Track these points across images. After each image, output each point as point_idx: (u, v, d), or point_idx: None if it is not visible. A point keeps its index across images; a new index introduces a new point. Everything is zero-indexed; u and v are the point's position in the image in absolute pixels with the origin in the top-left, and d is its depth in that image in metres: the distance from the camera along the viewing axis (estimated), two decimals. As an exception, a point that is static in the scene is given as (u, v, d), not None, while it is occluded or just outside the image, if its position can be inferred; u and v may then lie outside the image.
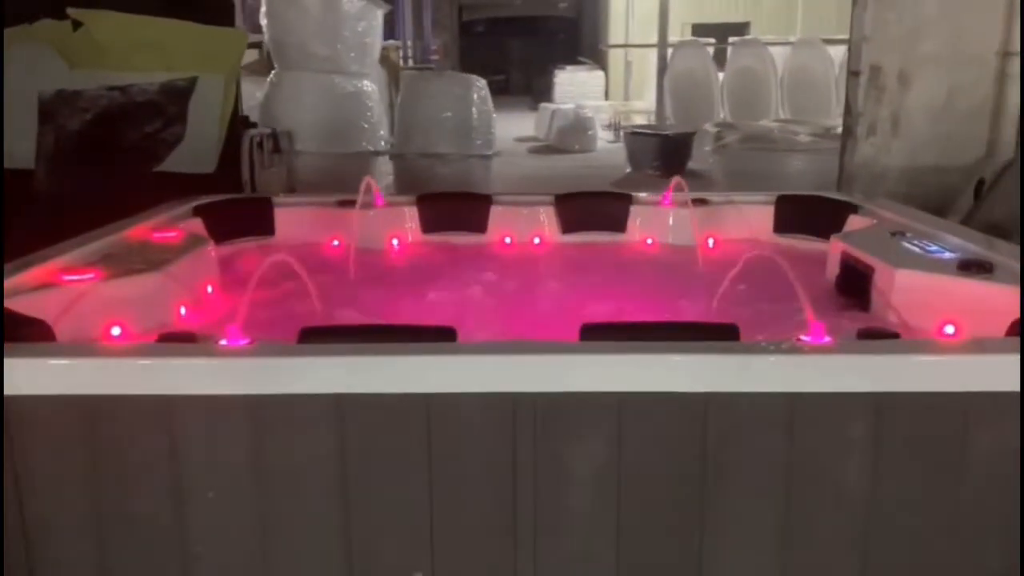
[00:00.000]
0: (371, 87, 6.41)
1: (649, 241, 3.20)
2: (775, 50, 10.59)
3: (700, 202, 3.22)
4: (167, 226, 2.86)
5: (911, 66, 4.98)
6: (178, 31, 4.76)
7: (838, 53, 10.27)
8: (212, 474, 1.61)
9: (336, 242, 3.22)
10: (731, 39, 12.02)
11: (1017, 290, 2.04)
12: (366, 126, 6.28)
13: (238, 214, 3.17)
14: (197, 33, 4.84)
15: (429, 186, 5.93)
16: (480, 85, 6.13)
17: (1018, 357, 1.53)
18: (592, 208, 3.24)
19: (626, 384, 1.57)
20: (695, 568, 1.62)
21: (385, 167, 6.73)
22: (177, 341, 1.70)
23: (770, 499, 1.59)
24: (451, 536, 1.62)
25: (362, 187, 3.14)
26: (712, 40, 12.10)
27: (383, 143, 6.61)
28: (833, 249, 2.65)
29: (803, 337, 1.67)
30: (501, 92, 14.69)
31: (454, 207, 3.27)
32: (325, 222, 3.25)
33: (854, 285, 2.45)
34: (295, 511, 1.63)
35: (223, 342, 1.68)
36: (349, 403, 1.57)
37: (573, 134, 10.40)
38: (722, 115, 10.25)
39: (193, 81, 4.80)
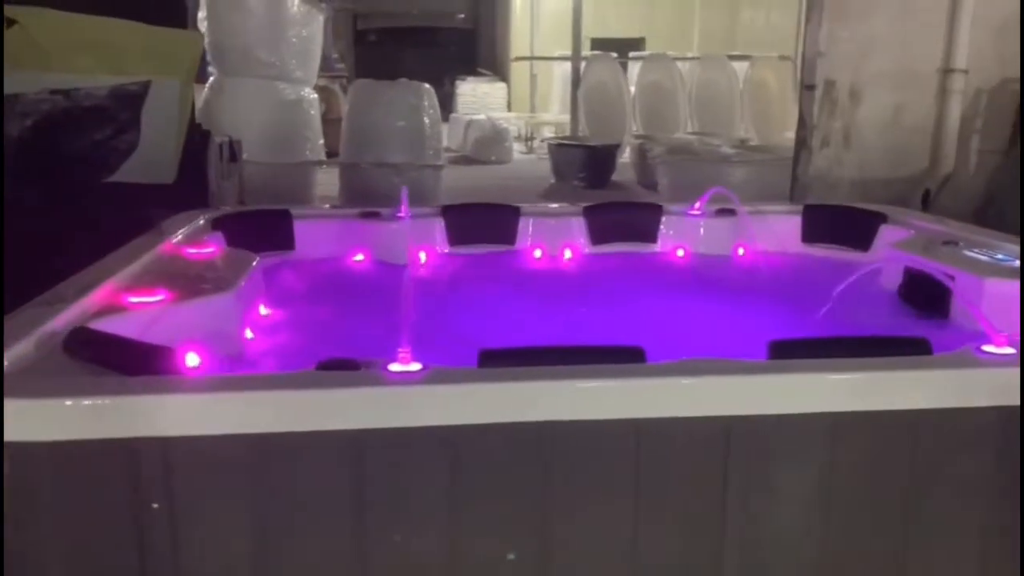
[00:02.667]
0: (313, 95, 6.17)
1: (680, 252, 3.18)
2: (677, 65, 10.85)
3: (727, 212, 3.23)
4: (192, 242, 2.63)
5: (861, 82, 5.19)
6: (127, 32, 4.42)
7: (740, 69, 10.67)
8: (400, 512, 1.47)
9: (360, 256, 3.06)
10: (631, 54, 12.28)
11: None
12: (310, 135, 6.03)
13: (258, 227, 2.96)
14: (148, 34, 4.51)
15: (386, 197, 5.75)
16: (431, 94, 6.00)
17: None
18: (622, 219, 3.20)
19: (838, 404, 1.52)
20: (898, 586, 1.59)
21: (327, 178, 6.50)
22: (339, 368, 1.54)
23: (976, 520, 1.58)
24: (658, 561, 1.53)
25: (403, 196, 3.02)
26: (614, 54, 12.31)
27: (324, 153, 6.38)
28: (891, 259, 2.70)
29: (985, 348, 1.66)
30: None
31: (481, 219, 3.16)
32: (347, 235, 3.08)
33: (926, 294, 2.49)
34: (488, 540, 1.50)
35: (393, 368, 1.53)
36: (553, 431, 1.46)
37: (489, 145, 10.37)
38: (635, 128, 10.43)
39: (146, 85, 4.46)
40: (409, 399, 1.44)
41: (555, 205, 3.29)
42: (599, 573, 1.52)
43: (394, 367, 1.53)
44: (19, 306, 1.79)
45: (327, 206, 4.88)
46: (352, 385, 1.43)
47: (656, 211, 3.19)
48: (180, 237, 2.64)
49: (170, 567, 1.42)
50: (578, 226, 3.17)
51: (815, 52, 5.20)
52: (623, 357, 1.56)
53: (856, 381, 1.53)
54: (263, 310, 2.43)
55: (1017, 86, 5.31)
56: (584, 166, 8.43)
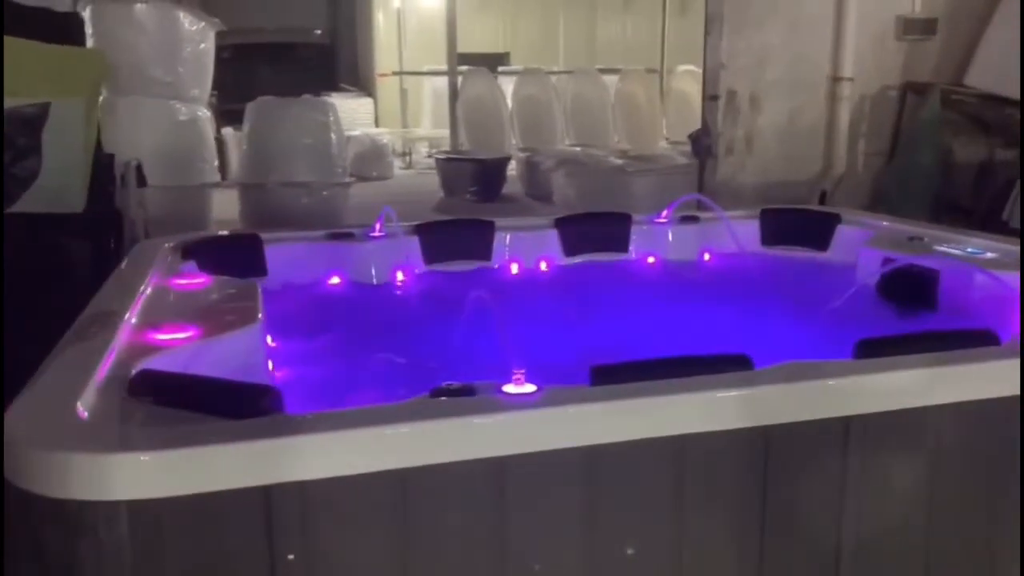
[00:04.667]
0: (207, 113, 5.89)
1: (651, 259, 3.24)
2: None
3: (690, 219, 3.32)
4: (175, 272, 2.46)
5: (760, 91, 5.46)
6: (20, 51, 4.07)
7: (610, 82, 10.98)
8: (542, 537, 1.42)
9: (336, 279, 2.94)
10: (500, 68, 12.41)
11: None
12: (206, 156, 5.75)
13: (229, 253, 2.79)
14: (45, 53, 4.18)
15: (294, 218, 5.56)
16: (335, 109, 5.85)
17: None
18: (594, 229, 3.22)
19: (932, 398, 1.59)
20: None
21: (224, 199, 6.20)
22: (456, 394, 1.47)
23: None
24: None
25: (381, 215, 2.94)
26: (484, 68, 12.38)
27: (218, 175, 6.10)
28: (866, 257, 2.84)
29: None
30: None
31: (456, 235, 3.11)
32: (319, 258, 2.96)
33: (910, 288, 2.63)
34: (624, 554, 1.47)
35: (508, 390, 1.48)
36: (691, 443, 1.45)
37: (370, 161, 10.22)
38: (513, 140, 10.54)
39: (45, 107, 4.13)
40: (551, 421, 1.40)
41: (527, 219, 3.28)
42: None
43: (509, 388, 1.49)
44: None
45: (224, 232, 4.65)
46: (496, 411, 1.38)
47: (625, 220, 3.24)
48: (163, 268, 2.46)
49: (307, 621, 1.32)
50: (552, 239, 3.17)
51: (717, 64, 5.43)
52: (731, 365, 1.57)
53: (945, 373, 1.61)
54: (269, 340, 2.29)
55: (894, 92, 5.75)
56: (475, 179, 8.44)
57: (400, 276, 3.00)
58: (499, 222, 3.16)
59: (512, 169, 9.27)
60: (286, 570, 1.31)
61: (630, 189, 6.28)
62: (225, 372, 1.74)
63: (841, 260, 3.16)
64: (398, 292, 2.94)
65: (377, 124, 14.09)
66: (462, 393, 1.48)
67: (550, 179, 7.79)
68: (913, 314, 2.61)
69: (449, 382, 1.51)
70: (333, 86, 15.38)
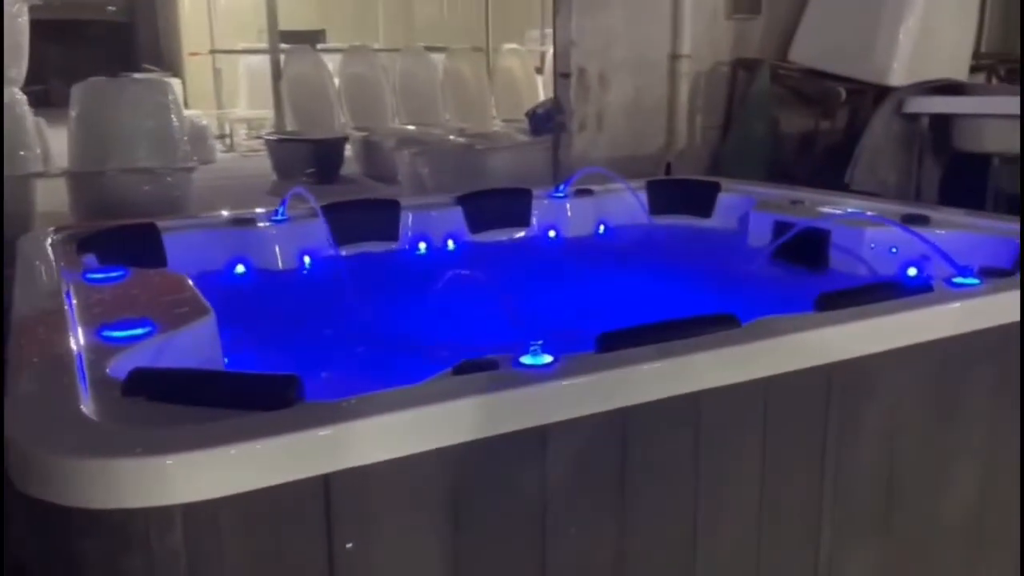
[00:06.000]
0: (23, 96, 5.38)
1: (552, 233, 3.31)
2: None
3: (585, 192, 3.41)
4: (72, 266, 2.27)
5: (608, 69, 5.66)
6: None
7: (437, 60, 10.97)
8: (575, 505, 1.46)
9: (241, 267, 2.81)
10: (319, 46, 12.10)
11: (954, 233, 2.62)
12: (27, 142, 5.24)
13: (126, 244, 2.60)
14: None
15: (135, 207, 5.20)
16: (174, 89, 5.51)
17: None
18: (497, 206, 3.25)
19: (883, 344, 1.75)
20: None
21: (53, 189, 5.70)
22: (480, 368, 1.47)
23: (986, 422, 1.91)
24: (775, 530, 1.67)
25: (285, 198, 2.82)
26: (307, 46, 12.04)
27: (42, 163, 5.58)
28: (756, 221, 3.04)
29: (956, 280, 1.98)
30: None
31: (363, 216, 3.05)
32: (221, 245, 2.81)
33: (801, 249, 2.85)
34: (651, 525, 1.54)
35: (525, 361, 1.50)
36: (706, 398, 1.53)
37: (191, 145, 9.69)
38: (343, 120, 10.33)
39: None
40: (585, 388, 1.43)
41: (427, 198, 3.26)
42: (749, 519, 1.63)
43: (527, 360, 1.50)
44: None
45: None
46: (538, 382, 1.39)
47: (526, 196, 3.29)
48: (65, 263, 2.26)
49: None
50: (457, 216, 3.17)
51: (567, 42, 5.56)
52: (722, 324, 1.66)
53: (897, 321, 1.78)
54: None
55: (726, 69, 6.12)
56: (311, 161, 8.22)
57: (307, 260, 2.91)
58: (404, 202, 3.13)
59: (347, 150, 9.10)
60: (345, 559, 1.27)
61: (484, 167, 6.33)
62: (190, 365, 1.65)
63: (723, 226, 3.37)
64: (310, 276, 2.86)
65: (187, 106, 13.34)
66: (486, 367, 1.48)
67: (393, 159, 7.71)
68: (808, 273, 2.83)
69: (467, 358, 1.51)
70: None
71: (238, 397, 1.34)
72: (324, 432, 1.23)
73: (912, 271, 2.58)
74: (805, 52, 5.94)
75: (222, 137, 11.26)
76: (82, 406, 1.31)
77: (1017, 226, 2.55)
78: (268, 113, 10.98)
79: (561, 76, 5.68)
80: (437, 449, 1.29)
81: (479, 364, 1.48)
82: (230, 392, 1.37)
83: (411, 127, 9.22)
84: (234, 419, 1.24)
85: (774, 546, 1.68)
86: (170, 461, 1.15)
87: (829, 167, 5.67)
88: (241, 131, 11.63)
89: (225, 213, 2.94)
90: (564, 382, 1.41)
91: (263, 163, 9.36)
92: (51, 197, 5.80)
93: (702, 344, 1.54)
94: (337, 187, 8.25)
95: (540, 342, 1.51)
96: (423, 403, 1.31)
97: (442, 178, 6.46)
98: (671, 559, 1.57)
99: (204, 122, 9.93)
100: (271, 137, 8.72)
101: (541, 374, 1.41)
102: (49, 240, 2.49)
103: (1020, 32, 5.60)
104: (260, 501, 1.20)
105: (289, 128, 10.01)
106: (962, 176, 4.43)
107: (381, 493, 1.29)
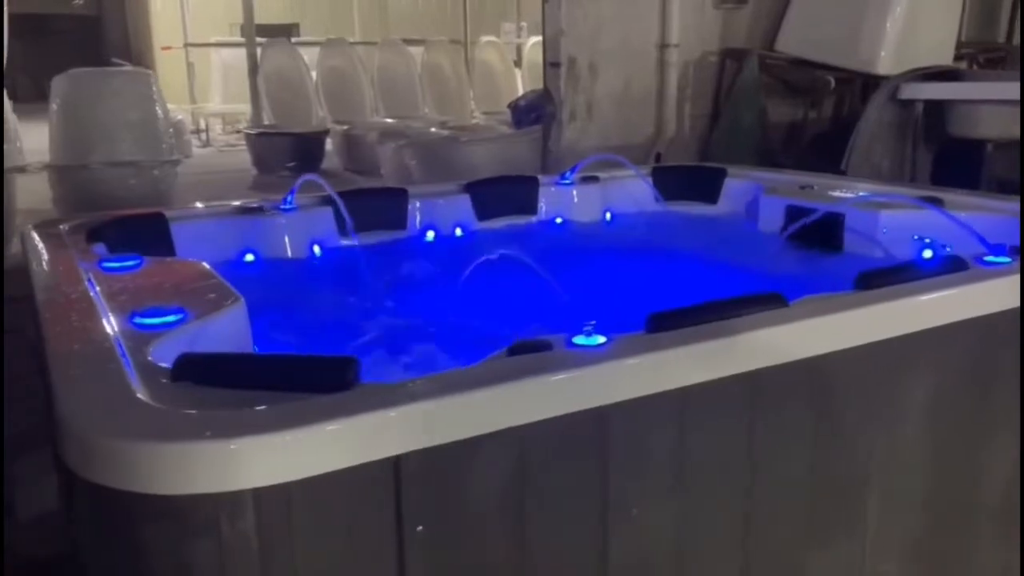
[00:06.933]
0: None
1: (559, 220, 3.29)
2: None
3: (591, 179, 3.40)
4: (82, 255, 2.21)
5: (597, 59, 5.64)
6: None
7: (414, 53, 10.90)
8: (639, 481, 1.44)
9: (250, 256, 2.76)
10: (293, 39, 11.98)
11: (971, 215, 2.63)
12: (8, 135, 5.13)
13: (136, 234, 2.54)
14: None
15: (123, 201, 5.11)
16: (156, 80, 5.41)
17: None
18: (504, 193, 3.22)
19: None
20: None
21: (28, 185, 5.58)
22: (534, 350, 1.45)
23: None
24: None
25: (294, 187, 2.77)
26: (284, 39, 11.92)
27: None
28: (767, 206, 3.04)
29: (987, 259, 1.98)
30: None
31: (371, 204, 3.00)
32: (229, 234, 2.76)
33: (816, 232, 2.86)
34: (709, 503, 1.52)
35: (578, 341, 1.47)
36: (761, 377, 1.52)
37: (168, 140, 9.56)
38: (321, 114, 10.23)
39: None
40: (644, 368, 1.41)
41: (434, 187, 3.22)
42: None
43: (580, 340, 1.48)
44: None
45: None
46: (598, 362, 1.37)
47: (533, 183, 3.26)
48: (76, 252, 2.21)
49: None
50: (464, 204, 3.14)
51: (557, 31, 5.54)
52: (770, 303, 1.65)
53: (941, 300, 1.78)
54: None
55: (714, 58, 6.13)
56: (293, 155, 8.13)
57: (317, 249, 2.87)
58: (412, 190, 3.09)
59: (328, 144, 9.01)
60: (415, 542, 1.24)
61: (471, 159, 6.29)
62: (224, 351, 1.61)
63: (730, 211, 3.37)
64: (323, 264, 2.81)
65: (160, 100, 13.14)
66: (540, 348, 1.46)
67: (375, 152, 7.64)
68: (822, 256, 2.83)
69: (522, 338, 1.48)
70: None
71: (295, 380, 1.31)
72: (394, 413, 1.20)
73: (928, 253, 2.60)
74: (792, 42, 5.96)
75: (197, 132, 11.10)
76: (138, 393, 1.27)
77: (1031, 207, 2.57)
78: (244, 107, 10.85)
79: (551, 66, 5.65)
80: (508, 429, 1.27)
81: (533, 345, 1.46)
82: (287, 375, 1.33)
83: (390, 120, 9.16)
84: (301, 401, 1.21)
85: (822, 517, 1.68)
86: (243, 445, 1.12)
87: (816, 155, 5.72)
88: (216, 126, 11.48)
89: (234, 203, 2.88)
90: (626, 361, 1.39)
91: (241, 158, 9.25)
92: (27, 196, 5.68)
93: (757, 322, 1.53)
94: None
95: (593, 322, 1.50)
96: (490, 383, 1.28)
97: (428, 170, 6.41)
98: (729, 540, 1.56)
99: (180, 116, 9.76)
100: (251, 131, 8.60)
101: (600, 354, 1.39)
102: (62, 229, 2.44)
103: (1020, 26, 5.67)
104: (330, 484, 1.17)
105: (266, 122, 9.89)
106: (955, 162, 4.48)
107: (450, 474, 1.26)
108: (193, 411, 1.20)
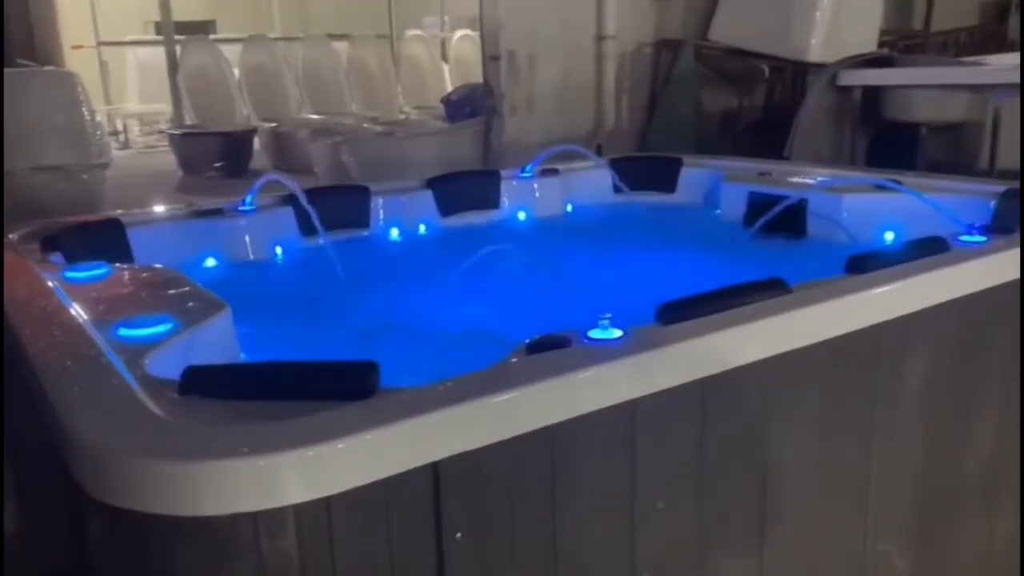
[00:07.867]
0: (-84, 92, 4.96)
1: (521, 215, 3.27)
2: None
3: (551, 172, 3.38)
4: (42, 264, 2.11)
5: (536, 51, 5.63)
6: None
7: (340, 49, 10.73)
8: (664, 474, 1.43)
9: (212, 260, 2.67)
10: (211, 37, 11.66)
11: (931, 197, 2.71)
12: (-77, 142, 4.85)
13: (92, 241, 2.42)
14: None
15: (50, 206, 4.88)
16: (81, 81, 5.19)
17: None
18: (466, 188, 3.18)
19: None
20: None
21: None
22: (553, 346, 1.42)
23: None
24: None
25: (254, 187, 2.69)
26: (205, 36, 11.61)
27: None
28: (729, 193, 3.08)
29: (963, 238, 2.03)
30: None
31: (331, 203, 2.93)
32: (188, 238, 2.66)
33: (778, 219, 2.90)
34: (732, 487, 1.52)
35: (594, 335, 1.46)
36: (772, 365, 1.52)
37: (86, 143, 9.20)
38: (245, 112, 9.99)
39: None
40: (663, 360, 1.40)
41: (395, 183, 3.15)
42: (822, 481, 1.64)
43: (596, 334, 1.46)
44: None
45: None
46: (625, 355, 1.35)
47: (495, 177, 3.23)
48: (35, 261, 2.09)
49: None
50: (427, 200, 3.09)
51: (496, 24, 5.51)
52: (774, 290, 1.66)
53: (934, 279, 1.81)
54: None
55: (650, 49, 6.18)
56: (220, 155, 7.93)
57: (279, 251, 2.79)
58: (373, 188, 3.03)
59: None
60: (455, 550, 1.20)
61: (410, 154, 6.21)
62: (214, 360, 1.55)
63: (689, 200, 3.40)
64: (287, 266, 2.73)
65: (71, 102, 12.63)
66: (560, 344, 1.43)
67: (307, 150, 7.49)
68: (786, 241, 2.88)
69: (538, 335, 1.46)
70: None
71: (313, 388, 1.25)
72: (434, 417, 1.16)
73: (890, 235, 2.66)
74: (725, 31, 6.05)
75: (115, 134, 10.73)
76: (151, 408, 1.20)
77: (985, 187, 2.65)
78: (164, 107, 10.52)
79: (491, 59, 5.62)
80: (547, 427, 1.24)
81: (552, 341, 1.43)
82: (303, 384, 1.28)
83: (318, 117, 8.99)
84: (335, 411, 1.16)
85: (828, 495, 1.70)
86: (283, 460, 1.06)
87: (751, 143, 5.82)
88: (135, 127, 11.12)
89: (193, 206, 2.77)
90: (650, 354, 1.37)
91: (163, 159, 8.98)
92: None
93: (767, 309, 1.53)
94: (248, 181, 7.97)
95: (609, 315, 1.48)
96: (525, 382, 1.25)
97: (367, 168, 6.31)
98: (746, 531, 1.57)
99: (98, 118, 9.40)
100: (175, 132, 8.34)
101: (626, 347, 1.37)
102: (12, 239, 2.31)
103: (1020, 22, 5.88)
104: (368, 495, 1.13)
105: (188, 122, 9.61)
106: (891, 145, 4.61)
107: (486, 478, 1.23)
108: (225, 427, 1.14)
